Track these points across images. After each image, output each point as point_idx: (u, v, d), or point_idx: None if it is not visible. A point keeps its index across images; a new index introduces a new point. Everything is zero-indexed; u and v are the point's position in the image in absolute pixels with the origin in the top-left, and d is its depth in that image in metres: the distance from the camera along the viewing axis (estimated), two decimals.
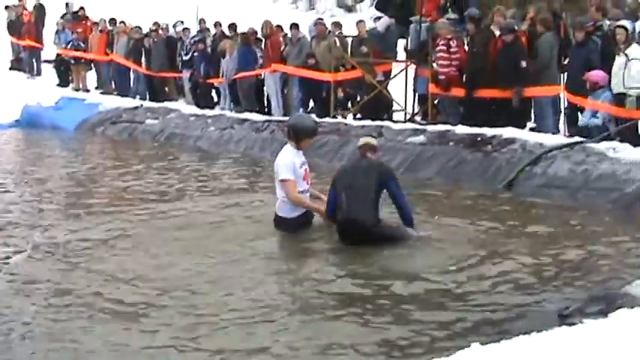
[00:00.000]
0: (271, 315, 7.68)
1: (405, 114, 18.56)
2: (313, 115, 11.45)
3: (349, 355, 6.77)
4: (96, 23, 28.16)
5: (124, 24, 27.25)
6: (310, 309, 7.88)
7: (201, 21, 25.83)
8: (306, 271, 9.05)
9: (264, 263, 9.45)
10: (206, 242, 10.34)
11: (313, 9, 51.62)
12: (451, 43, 16.24)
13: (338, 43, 19.89)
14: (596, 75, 14.59)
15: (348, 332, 7.25)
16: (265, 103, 21.46)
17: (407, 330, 7.28)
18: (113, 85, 27.04)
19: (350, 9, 50.84)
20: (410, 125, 16.72)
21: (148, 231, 11.09)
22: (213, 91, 23.82)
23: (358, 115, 18.99)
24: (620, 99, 14.24)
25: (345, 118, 18.86)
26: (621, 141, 13.17)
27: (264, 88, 21.47)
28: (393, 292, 8.31)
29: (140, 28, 26.22)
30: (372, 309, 7.89)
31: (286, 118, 18.79)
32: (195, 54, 23.46)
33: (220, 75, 22.16)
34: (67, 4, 30.28)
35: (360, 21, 20.39)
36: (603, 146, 12.98)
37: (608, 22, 15.48)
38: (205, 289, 8.51)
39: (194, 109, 22.25)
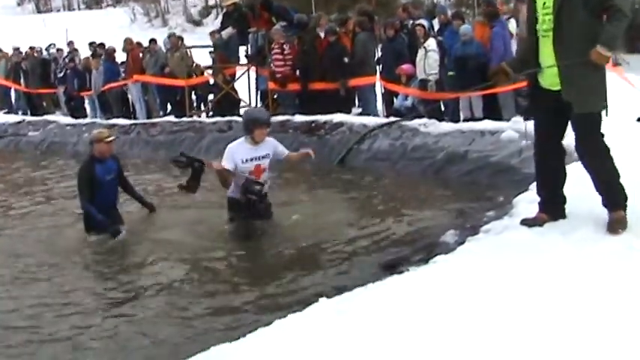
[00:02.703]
0: None
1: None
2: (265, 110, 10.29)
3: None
4: None
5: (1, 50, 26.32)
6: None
7: (70, 43, 25.24)
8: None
9: None
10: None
11: (167, 25, 51.08)
12: (284, 46, 16.23)
13: (189, 54, 19.68)
14: (408, 68, 14.87)
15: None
16: (131, 109, 21.05)
17: (269, 289, 7.34)
18: None
19: (198, 23, 50.48)
20: None
21: None
22: (85, 102, 23.27)
23: (210, 114, 18.86)
24: (423, 84, 14.54)
25: (200, 116, 18.74)
26: (429, 118, 13.44)
27: (129, 96, 21.05)
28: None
29: (20, 50, 25.40)
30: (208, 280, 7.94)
31: (149, 120, 18.67)
32: (68, 71, 22.95)
33: (92, 88, 21.65)
34: None
35: (213, 32, 20.24)
36: (416, 123, 13.23)
37: (411, 21, 15.74)
38: None
39: (70, 120, 21.72)
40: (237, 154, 9.11)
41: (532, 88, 6.55)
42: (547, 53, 6.26)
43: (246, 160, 9.13)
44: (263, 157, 9.28)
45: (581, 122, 6.20)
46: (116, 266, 8.69)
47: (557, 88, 6.23)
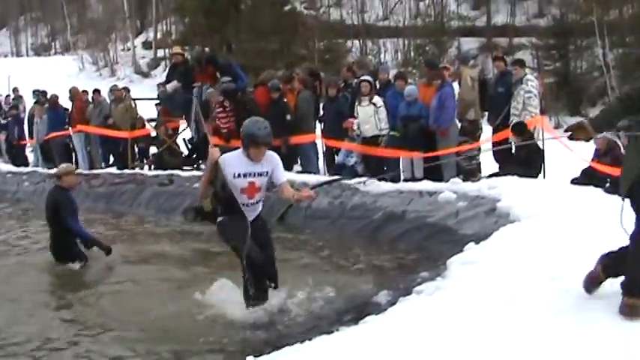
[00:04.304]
0: None
1: (193, 163, 18.46)
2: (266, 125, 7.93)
3: None
4: None
5: None
6: None
7: (15, 89, 25.12)
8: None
9: None
10: None
11: (115, 75, 51.12)
12: (225, 103, 16.15)
13: (133, 105, 19.64)
14: (354, 122, 14.87)
15: None
16: (73, 159, 20.88)
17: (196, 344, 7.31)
18: None
19: (146, 75, 50.57)
20: (197, 172, 16.67)
21: None
22: (27, 150, 23.09)
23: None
24: (371, 140, 14.57)
25: (142, 169, 18.65)
26: (370, 176, 13.53)
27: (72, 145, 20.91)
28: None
29: None
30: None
31: (91, 171, 18.53)
32: (10, 119, 22.77)
33: (34, 136, 21.51)
34: None
35: (160, 84, 20.29)
36: (355, 182, 13.29)
37: (355, 80, 15.85)
38: None
39: (11, 167, 21.56)
40: (230, 167, 7.87)
41: None
42: None
43: (239, 175, 7.88)
44: (260, 175, 7.99)
45: None
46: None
47: None
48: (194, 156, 18.28)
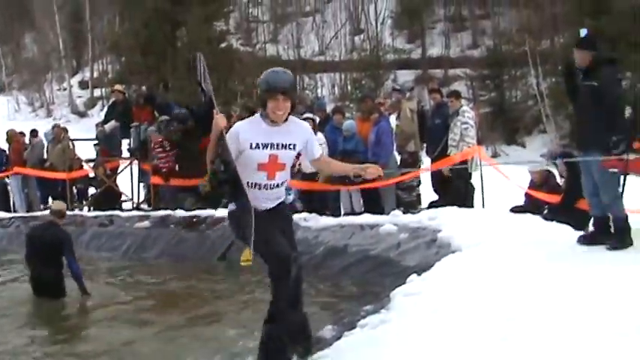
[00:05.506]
0: None
1: (133, 202, 18.34)
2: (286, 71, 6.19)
3: None
4: None
5: None
6: None
7: None
8: None
9: None
10: None
11: (52, 115, 50.63)
12: (164, 143, 16.10)
13: (71, 146, 19.45)
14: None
15: None
16: (11, 202, 20.59)
17: None
18: None
19: (83, 114, 50.15)
20: (137, 212, 16.58)
21: None
22: None
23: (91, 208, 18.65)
24: (310, 177, 14.55)
25: (82, 210, 18.46)
26: (309, 212, 13.53)
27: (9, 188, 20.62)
28: None
29: None
30: None
31: (30, 214, 18.28)
32: None
33: None
34: None
35: (98, 124, 20.14)
36: (296, 217, 13.25)
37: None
38: None
39: None
40: (246, 134, 6.10)
41: None
42: None
43: (258, 146, 6.12)
44: (284, 147, 6.21)
45: None
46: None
47: None
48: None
